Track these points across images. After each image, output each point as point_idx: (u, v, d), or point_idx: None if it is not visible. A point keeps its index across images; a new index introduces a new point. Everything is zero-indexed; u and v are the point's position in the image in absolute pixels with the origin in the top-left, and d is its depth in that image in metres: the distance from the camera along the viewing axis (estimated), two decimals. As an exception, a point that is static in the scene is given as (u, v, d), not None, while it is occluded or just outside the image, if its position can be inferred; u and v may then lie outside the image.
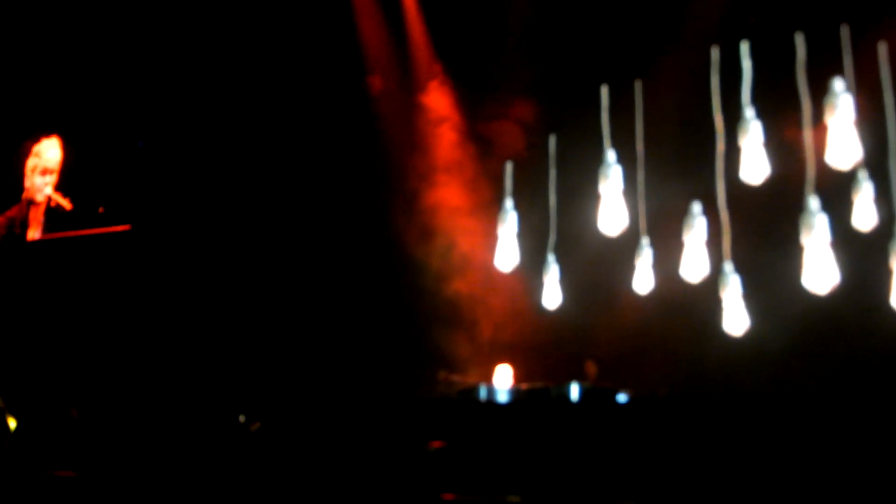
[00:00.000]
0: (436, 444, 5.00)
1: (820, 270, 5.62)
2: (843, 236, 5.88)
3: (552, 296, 7.15)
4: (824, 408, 5.10)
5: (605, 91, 6.70)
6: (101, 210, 11.55)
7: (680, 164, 8.67)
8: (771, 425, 5.03)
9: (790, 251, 5.95)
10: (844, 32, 5.86)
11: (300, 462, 5.62)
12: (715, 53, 6.26)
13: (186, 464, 5.25)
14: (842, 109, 5.55)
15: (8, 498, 4.83)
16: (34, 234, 11.72)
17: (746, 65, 5.92)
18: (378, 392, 9.75)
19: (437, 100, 11.04)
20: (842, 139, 5.53)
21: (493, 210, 7.11)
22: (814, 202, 5.67)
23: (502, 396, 7.78)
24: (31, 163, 12.05)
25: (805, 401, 5.34)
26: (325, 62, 11.05)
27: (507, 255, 6.86)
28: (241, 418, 6.05)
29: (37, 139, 12.08)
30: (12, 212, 11.90)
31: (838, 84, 5.62)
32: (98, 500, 4.54)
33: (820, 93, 5.71)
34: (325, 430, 5.83)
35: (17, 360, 11.02)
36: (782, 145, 6.29)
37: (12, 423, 6.97)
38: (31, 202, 11.90)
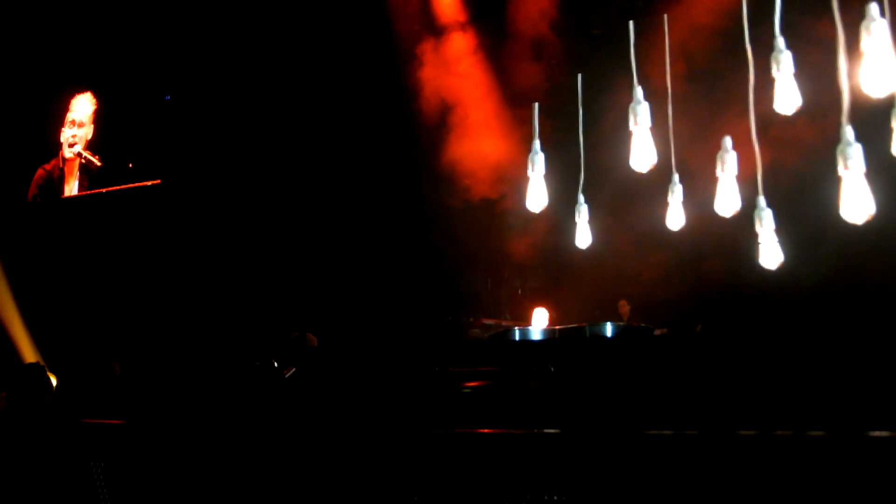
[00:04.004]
0: (471, 384, 5.04)
1: (856, 201, 5.53)
2: (880, 166, 5.79)
3: (583, 236, 7.12)
4: (858, 339, 5.07)
5: (632, 26, 6.58)
6: (130, 165, 11.66)
7: (710, 98, 8.52)
8: (806, 358, 5.01)
9: (825, 182, 5.87)
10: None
11: (336, 405, 5.69)
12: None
13: (224, 408, 5.33)
14: (877, 35, 5.41)
15: (52, 449, 4.94)
16: (70, 188, 11.90)
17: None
18: (415, 335, 9.82)
19: (463, 42, 10.93)
20: (877, 66, 5.40)
21: (522, 152, 7.05)
22: (849, 132, 5.56)
23: (536, 338, 7.80)
24: (67, 118, 12.25)
25: (839, 333, 5.30)
26: (351, 14, 10.94)
27: (536, 196, 6.81)
28: (275, 364, 6.11)
29: (72, 94, 12.21)
30: (50, 165, 12.11)
31: (874, 9, 5.48)
32: (142, 447, 4.63)
33: (854, 20, 5.57)
34: (364, 372, 5.89)
35: (57, 316, 11.20)
36: (815, 74, 6.15)
37: (53, 380, 7.08)
38: (65, 158, 12.12)
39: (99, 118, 12.15)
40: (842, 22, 5.49)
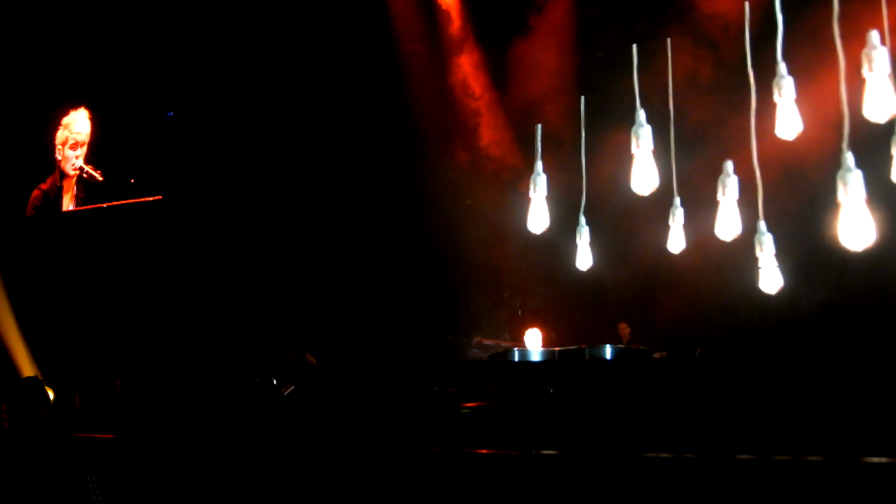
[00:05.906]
0: (470, 405, 5.03)
1: (856, 227, 5.54)
2: (880, 192, 5.80)
3: (584, 258, 7.14)
4: (856, 364, 5.07)
5: (635, 50, 6.63)
6: (132, 181, 11.69)
7: (712, 121, 8.54)
8: (804, 383, 5.01)
9: (825, 208, 5.88)
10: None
11: (334, 423, 5.68)
12: (746, 7, 6.16)
13: (222, 425, 5.33)
14: (878, 62, 5.45)
15: (48, 463, 4.93)
16: (68, 205, 11.90)
17: (779, 19, 5.82)
18: (414, 354, 9.80)
19: (467, 65, 10.94)
20: (878, 92, 5.43)
21: (524, 174, 7.08)
22: (849, 158, 5.57)
23: (535, 359, 7.79)
24: (60, 135, 12.22)
25: (837, 358, 5.30)
26: (355, 30, 10.95)
27: (538, 217, 6.83)
28: (274, 381, 6.12)
29: (65, 111, 12.22)
30: (46, 184, 12.09)
31: (875, 37, 5.51)
32: (139, 462, 4.62)
33: (855, 47, 5.61)
34: (362, 392, 5.88)
35: (56, 331, 11.20)
36: (816, 100, 6.19)
37: (51, 394, 7.08)
38: (64, 175, 12.09)
39: (97, 133, 12.18)
40: (843, 48, 5.52)
